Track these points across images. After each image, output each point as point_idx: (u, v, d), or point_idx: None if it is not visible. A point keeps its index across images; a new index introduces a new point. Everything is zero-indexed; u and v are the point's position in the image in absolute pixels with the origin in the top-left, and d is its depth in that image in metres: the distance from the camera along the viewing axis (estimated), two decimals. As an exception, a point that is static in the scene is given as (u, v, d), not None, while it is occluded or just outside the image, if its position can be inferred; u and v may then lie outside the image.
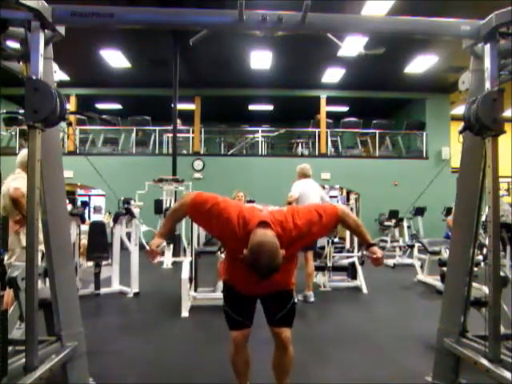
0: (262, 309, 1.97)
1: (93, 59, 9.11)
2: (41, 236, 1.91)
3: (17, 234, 3.03)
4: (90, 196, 14.54)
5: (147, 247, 1.82)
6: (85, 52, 8.70)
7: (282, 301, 1.91)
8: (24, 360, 1.66)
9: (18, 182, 2.96)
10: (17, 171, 3.15)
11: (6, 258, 2.93)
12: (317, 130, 11.34)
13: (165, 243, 1.86)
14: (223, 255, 2.13)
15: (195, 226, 4.42)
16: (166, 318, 3.78)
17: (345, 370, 2.65)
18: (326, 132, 11.27)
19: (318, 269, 5.10)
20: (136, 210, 5.03)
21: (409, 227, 8.86)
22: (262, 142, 11.69)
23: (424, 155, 11.26)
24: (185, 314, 3.86)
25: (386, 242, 8.82)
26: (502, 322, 2.03)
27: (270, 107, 12.97)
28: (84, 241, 4.73)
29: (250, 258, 1.56)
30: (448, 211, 8.08)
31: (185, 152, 11.23)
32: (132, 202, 5.20)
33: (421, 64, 9.31)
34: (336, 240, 6.05)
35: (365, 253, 1.88)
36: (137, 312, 4.19)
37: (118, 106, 12.86)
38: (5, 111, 10.20)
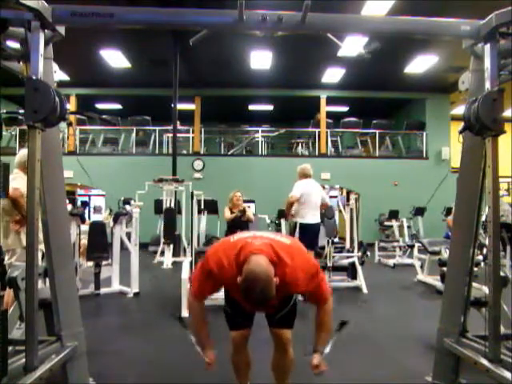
0: (262, 309, 1.96)
1: (93, 59, 9.11)
2: (41, 236, 1.91)
3: (17, 234, 3.04)
4: (89, 196, 14.53)
5: (206, 359, 1.78)
6: (85, 52, 8.69)
7: (281, 302, 1.87)
8: (24, 360, 1.66)
9: (16, 182, 2.96)
10: (15, 171, 3.15)
11: (6, 258, 2.94)
12: (317, 130, 11.33)
13: (215, 351, 1.80)
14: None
15: (195, 226, 4.42)
16: (166, 318, 3.77)
17: (345, 369, 2.65)
18: (326, 132, 11.27)
19: (318, 269, 5.10)
20: (136, 210, 5.03)
21: (409, 227, 8.86)
22: (261, 141, 11.69)
23: (424, 155, 11.26)
24: (185, 314, 3.85)
25: (385, 242, 8.84)
26: (502, 322, 2.03)
27: (270, 107, 12.97)
28: (84, 241, 4.73)
29: (242, 289, 1.50)
30: (448, 211, 8.07)
31: (185, 152, 11.23)
32: (132, 201, 5.21)
33: (421, 64, 9.31)
34: (336, 240, 6.05)
35: (307, 355, 1.73)
36: (137, 312, 4.19)
37: (118, 106, 12.85)
38: (5, 111, 10.19)
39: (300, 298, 4.51)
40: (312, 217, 4.56)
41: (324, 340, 1.75)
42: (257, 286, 1.46)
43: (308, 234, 4.48)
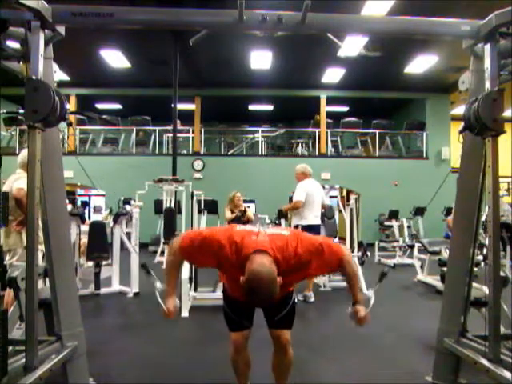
0: (262, 310, 1.96)
1: (93, 59, 9.11)
2: (41, 236, 1.92)
3: (19, 234, 3.03)
4: (90, 196, 14.54)
5: (164, 308, 1.78)
6: (85, 52, 8.69)
7: (281, 302, 1.88)
8: (24, 360, 1.66)
9: (20, 182, 2.96)
10: (18, 171, 3.15)
11: (7, 257, 2.94)
12: (317, 130, 11.33)
13: (178, 300, 1.82)
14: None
15: (195, 225, 4.42)
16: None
17: (345, 370, 2.65)
18: (326, 132, 11.26)
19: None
20: (136, 210, 5.03)
21: (409, 227, 8.86)
22: (261, 141, 11.70)
23: (424, 155, 11.26)
24: (185, 313, 3.86)
25: (385, 242, 8.84)
26: (502, 322, 2.03)
27: (270, 107, 12.97)
28: (84, 240, 4.73)
29: (246, 289, 1.50)
30: (448, 211, 8.07)
31: (185, 152, 11.23)
32: (132, 202, 5.21)
33: (421, 64, 9.30)
34: (336, 240, 6.04)
35: (349, 310, 1.76)
36: (137, 312, 4.19)
37: (118, 106, 12.85)
38: (5, 111, 10.20)
39: (300, 297, 4.52)
40: (314, 218, 4.52)
41: (358, 290, 1.81)
42: (261, 286, 1.47)
43: None
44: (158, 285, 1.86)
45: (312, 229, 4.52)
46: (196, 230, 1.79)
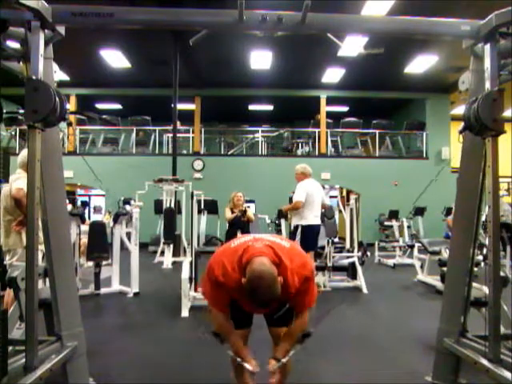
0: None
1: (93, 59, 9.11)
2: (41, 236, 1.91)
3: (18, 234, 3.03)
4: (90, 196, 14.54)
5: (251, 369, 1.66)
6: (85, 52, 8.69)
7: (280, 301, 1.89)
8: (24, 360, 1.66)
9: (19, 182, 2.96)
10: (17, 171, 3.15)
11: (7, 258, 2.94)
12: (317, 130, 11.33)
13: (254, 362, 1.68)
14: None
15: (195, 225, 4.42)
16: (166, 318, 3.78)
17: (345, 369, 2.65)
18: (326, 132, 11.26)
19: (318, 269, 5.10)
20: (136, 210, 5.03)
21: (409, 227, 8.85)
22: (261, 141, 11.69)
23: (424, 155, 11.26)
24: (185, 313, 3.86)
25: (385, 242, 8.84)
26: (502, 322, 2.03)
27: (270, 107, 12.97)
28: (84, 240, 4.73)
29: (247, 290, 1.50)
30: (448, 211, 8.08)
31: (185, 152, 11.23)
32: (132, 202, 5.21)
33: (421, 64, 9.30)
34: (336, 240, 6.05)
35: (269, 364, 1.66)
36: (137, 312, 4.19)
37: (118, 106, 12.86)
38: (5, 111, 10.19)
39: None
40: (314, 218, 4.51)
41: (285, 350, 1.70)
42: (262, 284, 1.47)
43: (310, 236, 4.44)
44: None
45: (312, 229, 4.52)
46: (203, 280, 1.76)
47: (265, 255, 1.57)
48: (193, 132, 11.38)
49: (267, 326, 1.93)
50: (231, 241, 1.83)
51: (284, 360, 1.67)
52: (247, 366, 1.66)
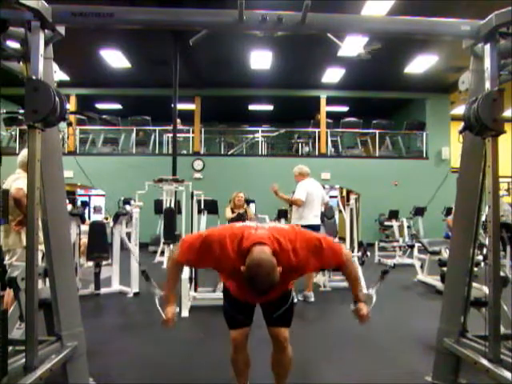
0: (260, 308, 1.97)
1: (93, 59, 9.10)
2: (41, 236, 1.91)
3: (18, 234, 3.03)
4: (90, 196, 14.54)
5: (163, 315, 1.80)
6: (85, 52, 8.69)
7: (279, 300, 1.90)
8: (24, 360, 1.66)
9: (19, 182, 2.96)
10: (17, 171, 3.15)
11: (7, 258, 2.94)
12: (317, 130, 11.33)
13: (177, 308, 1.83)
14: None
15: (195, 226, 4.42)
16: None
17: (345, 369, 2.65)
18: (326, 132, 11.26)
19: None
20: (136, 210, 5.03)
21: (409, 227, 8.85)
22: (261, 141, 11.69)
23: (424, 155, 11.25)
24: (185, 313, 3.86)
25: (385, 242, 8.84)
26: (502, 322, 2.03)
27: (270, 107, 12.96)
28: (84, 240, 4.73)
29: (246, 276, 1.53)
30: (448, 211, 8.07)
31: (185, 152, 11.22)
32: (132, 202, 5.20)
33: (421, 64, 9.30)
34: (336, 240, 6.04)
35: (352, 307, 1.83)
36: (137, 312, 4.19)
37: (118, 106, 12.85)
38: (5, 111, 10.20)
39: (300, 297, 4.51)
40: (314, 218, 4.53)
41: (360, 289, 1.86)
42: (261, 271, 1.50)
43: None
44: (157, 292, 1.88)
45: (312, 229, 4.50)
46: (195, 234, 1.79)
47: (265, 242, 1.60)
48: (193, 132, 11.37)
49: (266, 325, 1.93)
50: (236, 223, 1.89)
51: (372, 292, 1.94)
52: (162, 313, 1.78)
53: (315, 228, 4.56)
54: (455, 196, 2.25)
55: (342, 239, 6.88)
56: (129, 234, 5.03)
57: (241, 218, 5.18)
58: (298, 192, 4.54)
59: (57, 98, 1.68)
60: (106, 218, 5.73)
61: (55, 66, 1.98)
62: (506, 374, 1.68)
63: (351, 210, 5.81)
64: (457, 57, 8.33)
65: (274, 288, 1.56)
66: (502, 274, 1.89)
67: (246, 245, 1.60)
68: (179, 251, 1.76)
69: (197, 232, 1.80)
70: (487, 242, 1.89)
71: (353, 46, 8.07)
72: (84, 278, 4.70)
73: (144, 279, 1.93)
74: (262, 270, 1.50)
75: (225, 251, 1.65)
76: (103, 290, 4.63)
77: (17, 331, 2.21)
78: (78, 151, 10.71)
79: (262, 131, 11.89)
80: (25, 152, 3.17)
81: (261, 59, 9.14)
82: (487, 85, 1.86)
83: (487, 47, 1.90)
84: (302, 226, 4.48)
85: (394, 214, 8.99)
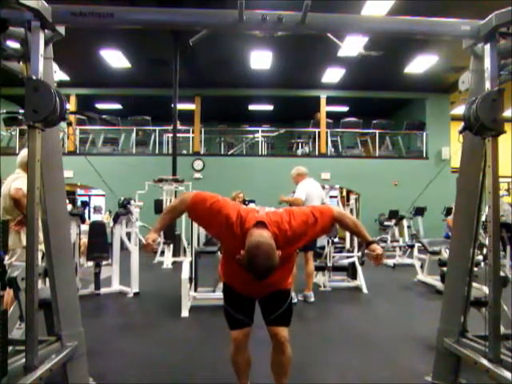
0: (260, 308, 1.97)
1: (93, 59, 9.11)
2: (41, 236, 1.91)
3: (18, 234, 3.03)
4: (90, 196, 14.54)
5: (143, 241, 1.84)
6: (85, 52, 8.69)
7: (278, 300, 1.92)
8: (24, 360, 1.66)
9: (18, 182, 2.96)
10: (17, 171, 3.15)
11: (6, 258, 2.93)
12: (317, 130, 11.33)
13: (159, 238, 1.86)
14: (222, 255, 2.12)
15: (195, 226, 4.42)
16: (166, 318, 3.78)
17: (345, 369, 2.65)
18: (326, 132, 11.26)
19: (318, 269, 5.10)
20: (136, 210, 5.03)
21: (409, 227, 8.85)
22: (261, 142, 11.69)
23: (424, 155, 11.26)
24: (185, 313, 3.86)
25: (385, 241, 8.83)
26: (502, 322, 2.03)
27: (270, 107, 12.97)
28: (84, 239, 4.73)
29: (246, 259, 1.57)
30: (448, 211, 8.07)
31: (185, 152, 11.22)
32: (132, 201, 5.20)
33: (421, 64, 9.30)
34: (336, 240, 6.05)
35: (366, 251, 1.85)
36: (137, 312, 4.19)
37: (118, 106, 12.85)
38: (5, 111, 10.20)
39: (300, 297, 4.51)
40: None
41: (365, 233, 1.86)
42: (260, 255, 1.54)
43: None
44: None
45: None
46: (211, 193, 1.82)
47: (263, 221, 1.68)
48: (193, 132, 11.38)
49: (266, 325, 1.93)
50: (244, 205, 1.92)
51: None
52: (142, 239, 1.82)
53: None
54: (455, 196, 2.26)
55: (342, 239, 6.89)
56: (129, 234, 5.03)
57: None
58: (298, 192, 4.57)
59: (57, 98, 1.68)
60: (110, 212, 5.72)
61: (55, 66, 1.98)
62: (506, 374, 1.68)
63: (351, 210, 5.82)
64: (457, 57, 8.34)
65: (273, 272, 1.59)
66: (502, 273, 1.89)
67: (248, 226, 1.66)
68: (192, 198, 1.80)
69: (213, 194, 1.82)
70: (487, 242, 1.89)
71: (353, 45, 8.07)
72: (84, 277, 4.69)
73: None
74: (261, 251, 1.54)
75: (229, 223, 1.71)
76: (103, 290, 4.62)
77: (17, 331, 2.21)
78: (78, 151, 10.70)
79: (262, 131, 11.89)
80: (25, 152, 3.17)
81: (261, 59, 9.14)
82: (487, 85, 1.86)
83: (487, 47, 1.90)
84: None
85: (393, 214, 8.98)
